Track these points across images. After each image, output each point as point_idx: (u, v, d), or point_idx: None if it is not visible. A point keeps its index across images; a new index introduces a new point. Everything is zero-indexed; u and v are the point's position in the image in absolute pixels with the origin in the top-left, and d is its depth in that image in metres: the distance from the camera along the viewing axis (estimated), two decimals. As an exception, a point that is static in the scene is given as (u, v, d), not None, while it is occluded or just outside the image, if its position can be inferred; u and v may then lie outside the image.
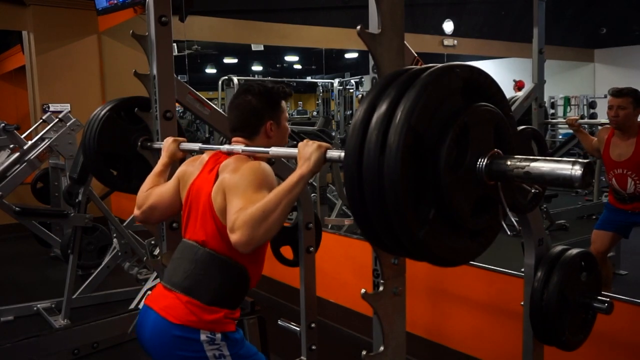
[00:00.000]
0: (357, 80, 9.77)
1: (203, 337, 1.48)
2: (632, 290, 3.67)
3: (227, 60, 11.42)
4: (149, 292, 1.74)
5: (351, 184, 0.98)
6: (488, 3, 9.01)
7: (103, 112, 2.33)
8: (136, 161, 2.27)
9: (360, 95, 9.33)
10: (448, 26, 9.03)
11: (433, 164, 0.94)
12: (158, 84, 2.04)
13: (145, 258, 3.75)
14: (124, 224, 4.08)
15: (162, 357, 1.53)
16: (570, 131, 4.32)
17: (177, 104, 2.15)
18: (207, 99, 2.21)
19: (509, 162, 0.95)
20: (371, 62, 1.27)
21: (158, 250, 2.18)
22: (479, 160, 0.97)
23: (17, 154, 4.16)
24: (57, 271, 4.59)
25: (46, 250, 5.22)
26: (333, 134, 8.53)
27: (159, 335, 1.51)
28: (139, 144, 2.27)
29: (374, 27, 1.25)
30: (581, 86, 11.45)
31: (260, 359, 1.62)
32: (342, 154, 1.09)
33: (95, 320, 3.10)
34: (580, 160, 0.85)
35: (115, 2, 5.56)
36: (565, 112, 10.85)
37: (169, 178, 1.75)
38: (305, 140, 1.34)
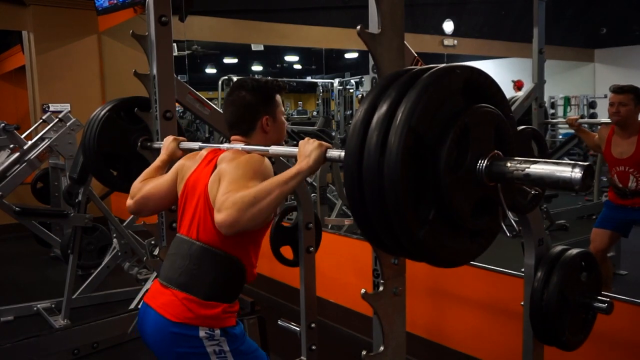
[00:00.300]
0: (357, 80, 9.77)
1: (202, 333, 1.47)
2: (632, 290, 3.67)
3: (227, 60, 11.42)
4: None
5: (351, 184, 0.98)
6: (488, 3, 9.00)
7: (103, 113, 2.34)
8: (136, 161, 2.27)
9: (360, 95, 9.32)
10: (448, 26, 9.03)
11: (433, 165, 0.94)
12: (158, 84, 2.04)
13: (145, 258, 3.75)
14: (124, 224, 4.08)
15: (164, 354, 1.53)
16: (570, 131, 4.33)
17: (177, 104, 2.15)
18: (207, 99, 2.21)
19: (509, 164, 0.95)
20: (371, 62, 1.27)
21: (158, 250, 2.18)
22: (479, 161, 0.97)
23: (17, 154, 4.16)
24: (57, 271, 4.59)
25: (46, 250, 5.22)
26: (333, 134, 8.53)
27: (159, 333, 1.51)
28: (139, 144, 2.27)
29: (374, 27, 1.25)
30: (581, 86, 11.44)
31: (261, 355, 1.62)
32: (342, 154, 1.09)
33: (95, 320, 3.10)
34: (580, 163, 0.85)
35: (115, 2, 5.56)
36: (565, 112, 10.84)
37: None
38: (306, 139, 1.33)
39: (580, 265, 1.73)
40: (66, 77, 6.48)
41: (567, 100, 10.83)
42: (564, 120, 3.92)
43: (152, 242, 2.67)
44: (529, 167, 0.91)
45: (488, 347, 2.72)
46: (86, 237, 4.14)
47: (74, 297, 3.69)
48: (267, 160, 1.50)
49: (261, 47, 8.19)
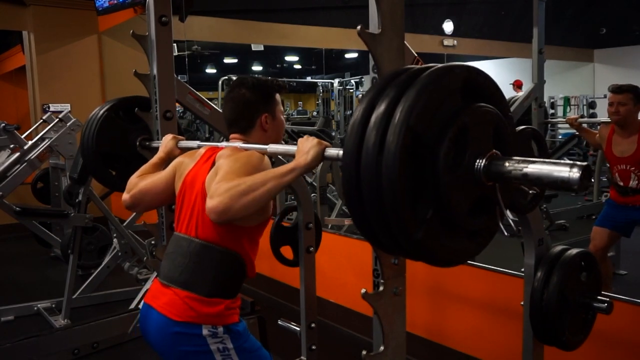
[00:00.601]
0: (357, 80, 9.78)
1: (205, 331, 1.47)
2: (632, 290, 3.68)
3: (227, 60, 11.42)
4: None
5: (349, 183, 0.98)
6: (488, 3, 9.01)
7: (101, 112, 2.33)
8: (135, 161, 2.27)
9: (360, 95, 9.33)
10: (448, 26, 9.03)
11: (431, 164, 0.94)
12: (158, 84, 2.04)
13: (145, 258, 3.76)
14: (124, 224, 4.08)
15: (167, 354, 1.53)
16: (570, 131, 4.34)
17: (177, 104, 2.15)
18: (207, 99, 2.21)
19: (507, 164, 0.95)
20: (371, 62, 1.27)
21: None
22: (478, 160, 0.97)
23: (17, 154, 4.16)
24: (57, 271, 4.60)
25: (46, 250, 5.22)
26: (333, 134, 8.54)
27: (162, 333, 1.50)
28: (138, 143, 2.26)
29: (374, 27, 1.25)
30: (581, 86, 11.45)
31: (264, 354, 1.61)
32: (340, 152, 1.09)
33: (95, 320, 3.10)
34: (578, 163, 0.86)
35: (116, 2, 5.56)
36: (565, 112, 10.84)
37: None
38: (305, 136, 1.34)
39: (580, 265, 1.73)
40: (66, 77, 6.48)
41: (566, 101, 10.84)
42: (564, 120, 3.93)
43: (152, 242, 2.67)
44: (527, 167, 0.91)
45: (488, 347, 2.72)
46: (86, 237, 4.14)
47: (74, 297, 3.69)
48: (266, 158, 1.49)
49: (261, 47, 8.19)
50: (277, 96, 1.68)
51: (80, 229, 3.66)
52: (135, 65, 2.25)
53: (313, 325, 2.26)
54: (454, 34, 9.19)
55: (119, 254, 3.97)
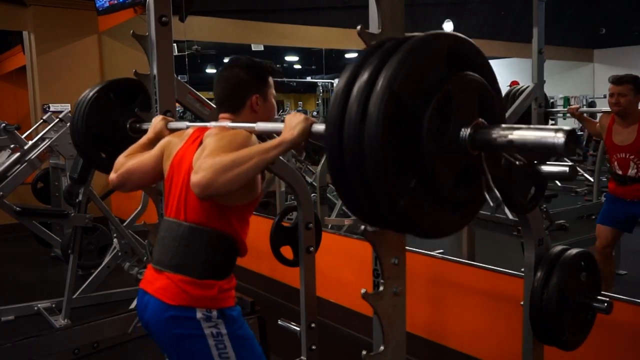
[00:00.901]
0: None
1: (199, 314, 1.47)
2: (632, 290, 3.67)
3: (227, 60, 11.41)
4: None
5: (332, 153, 0.96)
6: (488, 3, 9.01)
7: (91, 94, 2.30)
8: (126, 143, 2.22)
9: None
10: (448, 26, 9.03)
11: (415, 133, 0.92)
12: (158, 84, 2.04)
13: (145, 258, 3.76)
14: (124, 224, 4.08)
15: (164, 338, 1.54)
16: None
17: (177, 104, 2.15)
18: (207, 99, 2.21)
19: (492, 131, 0.94)
20: (371, 62, 1.27)
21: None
22: (463, 129, 0.95)
23: (17, 154, 4.16)
24: (57, 271, 4.59)
25: (46, 250, 5.22)
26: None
27: (157, 317, 1.51)
28: (129, 126, 2.24)
29: (374, 27, 1.25)
30: (581, 86, 11.46)
31: (256, 345, 1.60)
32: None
33: (95, 320, 3.10)
34: (563, 127, 0.85)
35: (116, 2, 5.56)
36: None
37: None
38: (293, 112, 1.34)
39: (580, 265, 1.73)
40: (66, 77, 6.48)
41: (566, 101, 10.84)
42: (565, 110, 3.98)
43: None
44: (511, 134, 0.90)
45: (488, 347, 2.72)
46: (86, 237, 4.14)
47: (74, 297, 3.69)
48: (254, 137, 1.48)
49: (261, 47, 8.19)
50: (271, 80, 1.67)
51: (80, 229, 3.66)
52: (135, 65, 2.25)
53: (313, 325, 2.26)
54: (454, 34, 9.18)
55: (119, 254, 3.97)
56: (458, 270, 2.92)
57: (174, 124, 1.79)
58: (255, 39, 7.86)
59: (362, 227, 1.21)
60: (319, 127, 1.25)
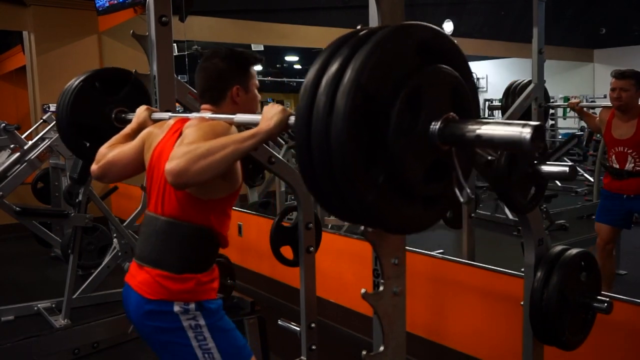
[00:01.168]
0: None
1: (176, 308, 1.48)
2: (632, 290, 3.67)
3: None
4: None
5: (300, 147, 0.94)
6: (488, 3, 9.01)
7: (76, 83, 2.29)
8: (111, 133, 2.17)
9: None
10: (448, 26, 9.03)
11: (384, 127, 0.90)
12: (158, 84, 2.04)
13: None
14: (124, 224, 4.08)
15: (145, 331, 1.56)
16: (570, 132, 4.36)
17: (177, 104, 2.15)
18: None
19: (462, 126, 0.92)
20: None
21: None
22: (433, 123, 0.93)
23: (17, 154, 4.16)
24: (57, 271, 4.59)
25: (46, 250, 5.22)
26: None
27: (138, 311, 1.53)
28: (114, 115, 2.21)
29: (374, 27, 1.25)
30: (581, 86, 11.45)
31: (239, 335, 1.60)
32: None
33: (95, 320, 3.11)
34: (530, 122, 0.83)
35: (115, 2, 5.56)
36: (565, 112, 10.85)
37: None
38: (271, 103, 1.32)
39: (580, 265, 1.73)
40: (66, 77, 6.36)
41: (566, 100, 10.81)
42: (566, 104, 4.00)
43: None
44: (479, 128, 0.89)
45: (488, 347, 2.72)
46: (86, 237, 4.14)
47: (74, 297, 3.69)
48: (234, 128, 1.47)
49: (261, 47, 8.19)
50: (253, 70, 1.65)
51: (80, 229, 3.65)
52: (135, 65, 2.26)
53: (313, 325, 2.26)
54: (454, 34, 9.17)
55: (119, 254, 3.97)
56: (458, 270, 2.92)
57: (158, 115, 1.79)
58: (255, 39, 7.86)
59: (362, 227, 1.21)
60: None
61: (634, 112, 3.14)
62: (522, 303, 1.75)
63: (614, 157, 3.24)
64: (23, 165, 4.08)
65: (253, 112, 1.63)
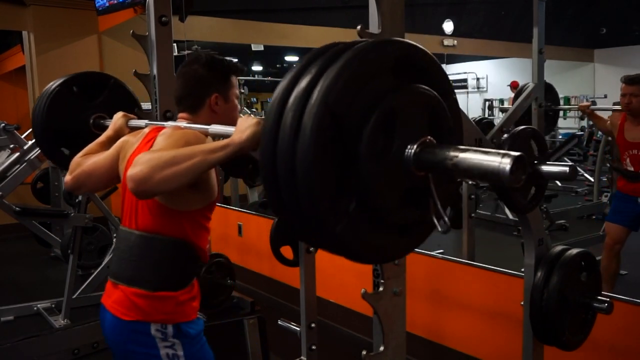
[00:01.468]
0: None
1: (153, 330, 1.40)
2: (632, 290, 3.67)
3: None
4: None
5: (266, 170, 0.87)
6: (488, 3, 9.01)
7: (53, 87, 2.22)
8: (91, 140, 2.16)
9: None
10: (448, 26, 9.04)
11: (355, 151, 0.83)
12: (158, 84, 2.05)
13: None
14: (124, 224, 4.08)
15: (119, 354, 1.50)
16: (570, 132, 4.37)
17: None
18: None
19: (438, 152, 0.85)
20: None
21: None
22: (408, 148, 0.86)
23: (17, 154, 4.16)
24: (57, 271, 4.59)
25: (46, 250, 5.22)
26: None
27: (113, 332, 1.46)
28: (92, 121, 2.15)
29: (374, 27, 1.25)
30: (581, 86, 11.46)
31: None
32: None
33: (95, 320, 3.10)
34: (510, 152, 0.77)
35: (115, 2, 5.56)
36: (565, 112, 10.84)
37: None
38: (246, 115, 1.28)
39: (580, 265, 1.73)
40: (66, 77, 6.47)
41: (567, 100, 10.84)
42: (576, 107, 4.04)
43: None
44: (457, 157, 0.82)
45: (488, 347, 2.72)
46: (86, 237, 4.14)
47: (74, 297, 3.68)
48: (209, 139, 1.40)
49: (261, 47, 8.19)
50: (234, 79, 1.57)
51: (80, 229, 3.65)
52: (135, 65, 2.25)
53: (313, 325, 2.26)
54: (454, 34, 9.19)
55: (119, 254, 3.97)
56: (458, 270, 2.92)
57: (135, 122, 1.72)
58: (255, 39, 7.86)
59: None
60: None
61: None
62: (522, 303, 1.75)
63: (628, 160, 3.28)
64: (23, 165, 4.07)
65: (233, 122, 1.50)
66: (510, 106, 4.25)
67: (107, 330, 1.50)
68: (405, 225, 0.92)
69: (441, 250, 3.47)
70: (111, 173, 1.56)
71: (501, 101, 11.25)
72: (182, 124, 1.47)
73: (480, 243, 3.52)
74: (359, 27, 1.18)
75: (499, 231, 5.35)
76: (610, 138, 4.35)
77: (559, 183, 7.06)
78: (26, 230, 4.40)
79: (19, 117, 8.14)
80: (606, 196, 5.15)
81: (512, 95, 10.00)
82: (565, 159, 7.54)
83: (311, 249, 2.26)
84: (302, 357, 2.27)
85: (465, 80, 13.27)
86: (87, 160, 1.57)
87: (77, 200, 3.72)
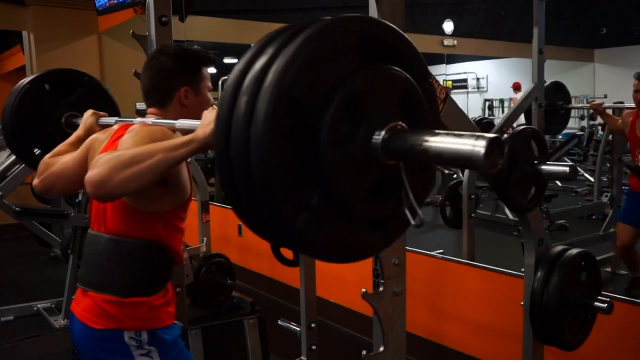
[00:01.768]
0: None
1: (127, 338, 1.33)
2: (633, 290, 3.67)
3: (227, 60, 11.44)
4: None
5: (220, 162, 0.78)
6: (488, 3, 9.01)
7: (24, 84, 2.14)
8: (63, 139, 1.94)
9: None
10: (448, 26, 9.04)
11: (316, 138, 0.75)
12: (158, 84, 2.04)
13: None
14: (124, 224, 4.08)
15: None
16: (570, 131, 4.38)
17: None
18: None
19: (409, 138, 0.77)
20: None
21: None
22: (376, 134, 0.78)
23: (17, 154, 4.16)
24: (57, 271, 4.59)
25: (46, 250, 5.22)
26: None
27: (83, 341, 1.39)
28: (64, 120, 2.09)
29: (374, 27, 1.25)
30: (581, 86, 11.46)
31: None
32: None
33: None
34: (486, 135, 0.70)
35: (115, 2, 5.56)
36: (566, 112, 10.85)
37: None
38: (210, 108, 1.22)
39: (580, 265, 1.73)
40: (66, 77, 6.47)
41: (566, 100, 10.85)
42: (588, 105, 4.04)
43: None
44: (427, 141, 0.74)
45: (488, 347, 2.72)
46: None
47: (74, 297, 3.68)
48: (178, 134, 1.32)
49: (261, 47, 8.19)
50: (205, 71, 1.49)
51: (80, 229, 3.65)
52: (135, 65, 2.24)
53: (313, 325, 2.26)
54: (454, 34, 9.20)
55: (119, 254, 3.97)
56: (458, 270, 2.92)
57: (105, 120, 1.66)
58: (255, 39, 7.70)
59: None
60: None
61: None
62: (522, 303, 1.75)
63: (639, 157, 3.27)
64: (22, 165, 4.07)
65: None
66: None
67: (76, 339, 1.42)
68: (377, 220, 0.84)
69: (441, 250, 3.47)
70: (82, 173, 1.40)
71: (501, 101, 11.25)
72: (150, 120, 1.40)
73: (480, 243, 3.52)
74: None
75: (499, 231, 5.35)
76: (611, 137, 4.35)
77: (559, 183, 7.06)
78: (26, 230, 4.39)
79: (19, 117, 8.14)
80: (606, 196, 5.14)
81: (514, 96, 10.02)
82: (566, 159, 7.55)
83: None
84: (302, 357, 2.27)
85: (465, 80, 13.28)
86: (56, 161, 1.49)
87: (77, 200, 3.72)
